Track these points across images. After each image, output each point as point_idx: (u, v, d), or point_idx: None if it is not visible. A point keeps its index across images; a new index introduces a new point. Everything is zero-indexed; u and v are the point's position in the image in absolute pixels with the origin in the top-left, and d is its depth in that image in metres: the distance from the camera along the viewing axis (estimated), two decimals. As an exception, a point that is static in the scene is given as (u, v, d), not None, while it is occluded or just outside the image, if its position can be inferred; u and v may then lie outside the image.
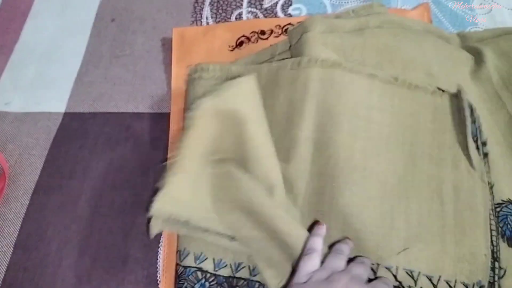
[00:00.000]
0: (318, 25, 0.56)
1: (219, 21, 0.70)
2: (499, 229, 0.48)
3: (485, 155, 0.51)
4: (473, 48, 0.64)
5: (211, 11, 0.71)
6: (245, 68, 0.55)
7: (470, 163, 0.50)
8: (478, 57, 0.62)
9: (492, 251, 0.46)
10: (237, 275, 0.48)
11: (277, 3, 0.72)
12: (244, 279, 0.47)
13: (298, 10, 0.71)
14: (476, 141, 0.51)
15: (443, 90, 0.54)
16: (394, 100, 0.52)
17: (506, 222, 0.48)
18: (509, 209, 0.49)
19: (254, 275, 0.47)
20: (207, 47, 0.65)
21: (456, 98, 0.53)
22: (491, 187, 0.49)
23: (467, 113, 0.51)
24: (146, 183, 0.57)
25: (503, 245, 0.47)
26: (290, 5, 0.71)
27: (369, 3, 0.61)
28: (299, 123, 0.50)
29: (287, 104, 0.51)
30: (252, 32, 0.65)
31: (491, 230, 0.47)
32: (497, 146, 0.55)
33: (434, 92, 0.53)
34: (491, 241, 0.46)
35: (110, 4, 0.72)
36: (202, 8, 0.72)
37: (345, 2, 0.71)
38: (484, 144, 0.52)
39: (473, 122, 0.52)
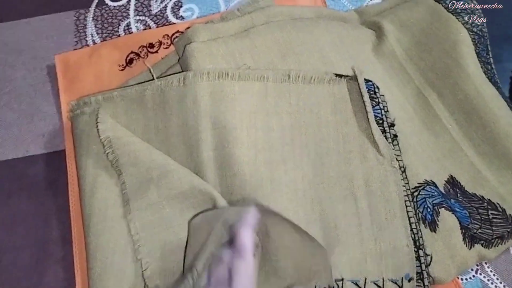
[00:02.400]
0: (201, 33, 0.52)
1: (106, 37, 0.64)
2: (419, 214, 0.46)
3: (394, 137, 0.49)
4: (373, 22, 0.61)
5: (95, 26, 0.65)
6: (128, 91, 0.50)
7: (378, 150, 0.48)
8: (378, 32, 0.60)
9: (414, 240, 0.44)
10: None
11: (166, 6, 0.66)
12: None
13: (190, 11, 0.66)
14: (382, 124, 0.49)
15: (341, 76, 0.51)
16: (290, 99, 0.49)
17: (426, 206, 0.46)
18: (427, 191, 0.47)
19: None
20: (95, 70, 0.59)
21: (354, 81, 0.51)
22: (403, 171, 0.47)
23: (366, 97, 0.49)
24: (50, 234, 0.52)
25: (425, 231, 0.45)
26: (181, 6, 0.66)
27: (255, -5, 0.57)
28: (198, 145, 0.46)
29: (181, 126, 0.47)
30: (140, 47, 0.60)
31: (409, 218, 0.45)
32: (409, 122, 0.53)
33: (331, 80, 0.50)
34: (411, 230, 0.45)
35: (-19, 39, 0.65)
36: (85, 25, 0.65)
37: (237, -5, 0.66)
38: (391, 125, 0.50)
39: (378, 103, 0.50)
